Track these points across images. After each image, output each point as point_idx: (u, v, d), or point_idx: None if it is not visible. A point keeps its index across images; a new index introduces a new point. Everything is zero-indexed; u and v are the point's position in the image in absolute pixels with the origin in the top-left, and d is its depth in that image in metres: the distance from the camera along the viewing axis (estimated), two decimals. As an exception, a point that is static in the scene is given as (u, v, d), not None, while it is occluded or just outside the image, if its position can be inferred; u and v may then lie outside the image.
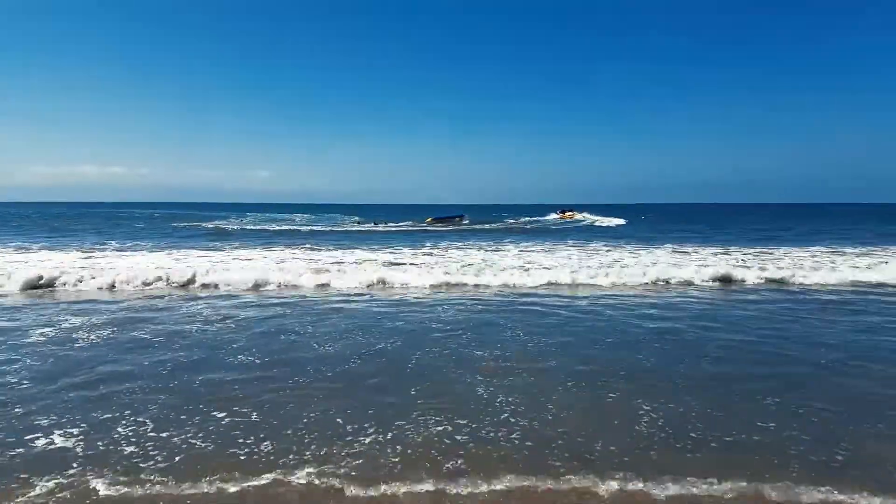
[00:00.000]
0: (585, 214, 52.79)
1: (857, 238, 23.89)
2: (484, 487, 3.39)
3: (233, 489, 3.36)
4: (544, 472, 3.57)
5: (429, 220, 40.95)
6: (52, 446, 3.92)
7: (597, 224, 39.68)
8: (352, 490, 3.35)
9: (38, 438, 4.03)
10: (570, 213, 53.80)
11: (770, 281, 11.80)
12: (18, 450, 3.87)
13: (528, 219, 46.77)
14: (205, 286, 10.77)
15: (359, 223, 41.02)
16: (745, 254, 16.97)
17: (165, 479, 3.47)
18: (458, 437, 4.07)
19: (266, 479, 3.47)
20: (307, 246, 19.85)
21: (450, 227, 35.45)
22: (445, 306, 9.07)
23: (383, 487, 3.39)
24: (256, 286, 10.66)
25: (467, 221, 41.11)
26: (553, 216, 52.58)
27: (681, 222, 43.13)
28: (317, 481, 3.45)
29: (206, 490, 3.36)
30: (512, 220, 44.73)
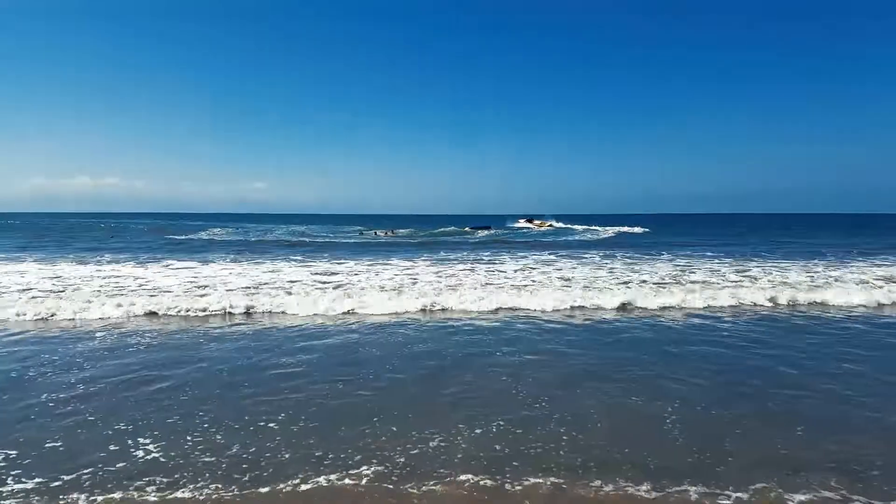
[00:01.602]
0: (554, 223, 54.63)
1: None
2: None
3: (305, 489, 3.69)
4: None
5: (468, 228, 47.31)
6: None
7: (625, 231, 41.14)
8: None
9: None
10: (541, 222, 55.24)
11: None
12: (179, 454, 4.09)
13: (503, 230, 46.99)
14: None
15: (362, 233, 41.54)
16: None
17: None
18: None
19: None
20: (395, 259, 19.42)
21: (491, 238, 36.05)
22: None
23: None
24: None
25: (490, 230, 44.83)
26: (523, 225, 53.32)
27: (690, 234, 42.78)
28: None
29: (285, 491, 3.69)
30: (489, 231, 45.20)
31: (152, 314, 9.64)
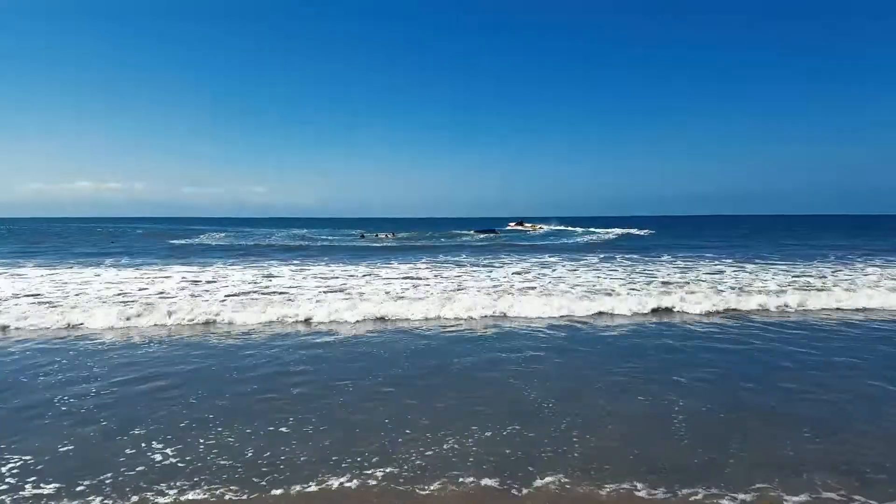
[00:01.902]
0: (544, 226, 56.70)
1: None
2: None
3: (316, 489, 3.77)
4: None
5: (473, 231, 47.29)
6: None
7: (628, 233, 42.06)
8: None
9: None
10: (532, 225, 58.19)
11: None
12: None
13: (502, 234, 47.30)
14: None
15: (363, 236, 41.81)
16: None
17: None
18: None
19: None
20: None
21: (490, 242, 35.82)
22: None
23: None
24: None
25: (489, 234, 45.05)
26: (514, 228, 56.16)
27: (689, 237, 43.12)
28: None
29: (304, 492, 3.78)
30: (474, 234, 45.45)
31: (155, 320, 9.68)
